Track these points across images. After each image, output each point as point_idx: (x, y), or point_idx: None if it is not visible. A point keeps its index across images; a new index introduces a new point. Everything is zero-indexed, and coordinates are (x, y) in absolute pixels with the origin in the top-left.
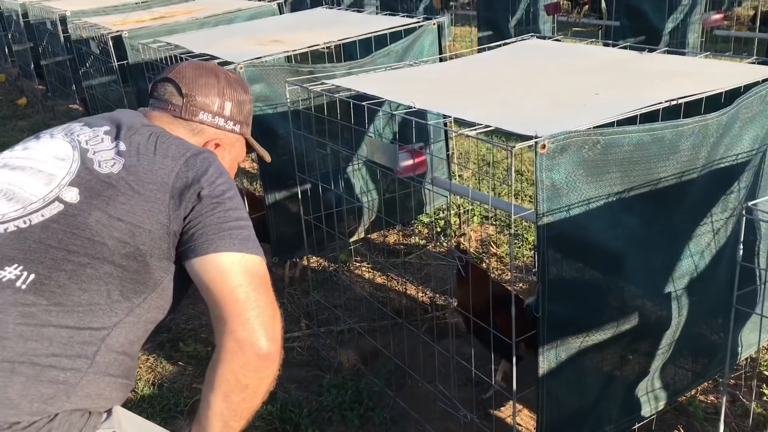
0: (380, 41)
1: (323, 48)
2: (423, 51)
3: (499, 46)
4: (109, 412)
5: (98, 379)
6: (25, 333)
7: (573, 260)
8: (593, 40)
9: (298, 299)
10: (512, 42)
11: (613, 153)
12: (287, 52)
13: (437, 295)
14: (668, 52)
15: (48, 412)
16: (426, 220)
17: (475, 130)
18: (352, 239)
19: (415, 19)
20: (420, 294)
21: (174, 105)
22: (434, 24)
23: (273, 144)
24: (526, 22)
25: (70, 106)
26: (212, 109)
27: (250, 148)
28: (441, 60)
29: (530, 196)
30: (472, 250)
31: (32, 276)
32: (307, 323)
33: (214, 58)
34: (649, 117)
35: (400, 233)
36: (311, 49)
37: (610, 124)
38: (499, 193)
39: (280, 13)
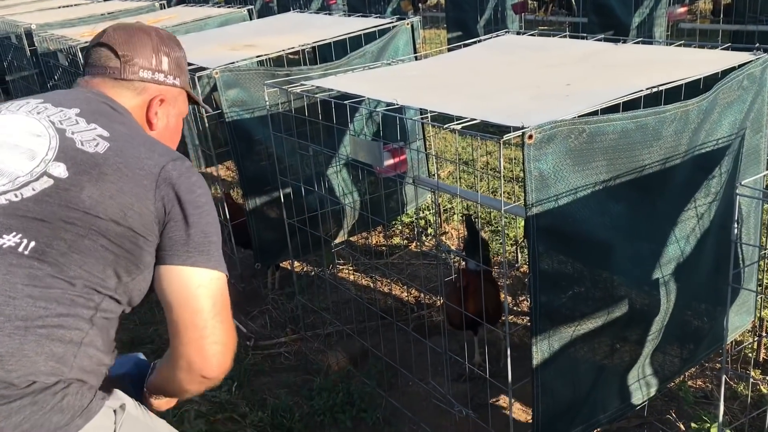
0: (354, 43)
1: (299, 50)
2: (398, 51)
3: (474, 43)
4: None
5: (95, 341)
6: (34, 293)
7: (562, 250)
8: (564, 34)
9: (282, 304)
10: (487, 38)
11: (598, 141)
12: (261, 56)
13: (422, 294)
14: (642, 43)
15: (62, 374)
16: (407, 220)
17: (461, 123)
18: (335, 242)
19: (388, 20)
20: (406, 294)
21: (112, 68)
22: (408, 24)
23: (251, 149)
24: (494, 21)
25: None
26: (151, 65)
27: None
28: (417, 59)
29: (508, 192)
30: (453, 247)
31: (33, 243)
32: (293, 328)
33: (189, 64)
34: (631, 106)
35: (382, 234)
36: (287, 52)
37: (594, 114)
38: (477, 190)
39: (250, 19)
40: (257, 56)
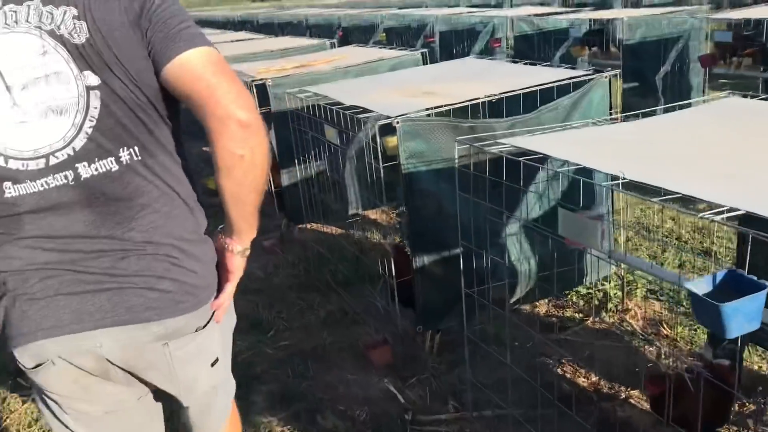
0: (542, 94)
1: (484, 100)
2: (592, 106)
3: (690, 104)
4: None
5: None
6: (175, 178)
7: None
8: (756, 94)
9: (442, 374)
10: (708, 100)
11: None
12: (446, 105)
13: (602, 382)
14: None
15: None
16: (583, 291)
17: (719, 213)
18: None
19: (583, 72)
20: (583, 379)
21: None
22: (606, 77)
23: (424, 203)
24: (675, 74)
25: (203, 149)
26: None
27: None
28: (623, 119)
29: (698, 268)
30: (638, 329)
31: (138, 149)
32: (456, 405)
33: (367, 111)
34: None
35: (552, 304)
36: (472, 102)
37: None
38: (662, 263)
39: (423, 63)
40: (444, 105)
